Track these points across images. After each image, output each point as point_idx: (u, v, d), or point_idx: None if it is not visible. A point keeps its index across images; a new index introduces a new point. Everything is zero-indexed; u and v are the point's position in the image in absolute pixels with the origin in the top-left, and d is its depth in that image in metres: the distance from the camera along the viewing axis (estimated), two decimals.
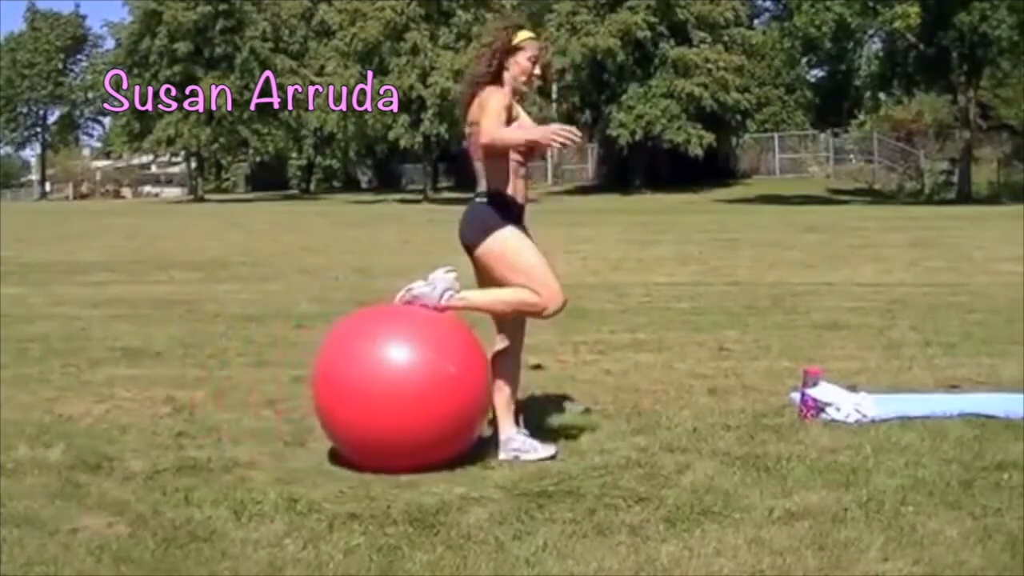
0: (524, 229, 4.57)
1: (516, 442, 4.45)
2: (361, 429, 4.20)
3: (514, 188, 4.52)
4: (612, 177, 47.93)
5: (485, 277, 4.56)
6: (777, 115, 52.87)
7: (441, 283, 4.47)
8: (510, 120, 4.48)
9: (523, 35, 4.59)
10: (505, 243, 4.46)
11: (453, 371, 4.24)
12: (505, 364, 4.58)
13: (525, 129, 4.52)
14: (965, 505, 3.73)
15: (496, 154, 4.46)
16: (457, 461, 4.37)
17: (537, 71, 4.59)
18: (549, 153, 53.12)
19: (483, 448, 4.49)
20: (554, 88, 48.81)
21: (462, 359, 4.31)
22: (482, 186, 4.54)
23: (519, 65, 4.54)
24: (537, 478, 4.09)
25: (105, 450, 4.54)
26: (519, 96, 4.61)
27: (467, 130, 4.58)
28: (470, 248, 4.51)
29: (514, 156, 4.51)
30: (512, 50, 4.54)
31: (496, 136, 4.40)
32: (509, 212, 4.50)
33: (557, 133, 4.32)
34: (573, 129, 4.36)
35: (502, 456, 4.42)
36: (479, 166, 4.55)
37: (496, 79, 4.52)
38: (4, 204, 52.94)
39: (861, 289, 10.70)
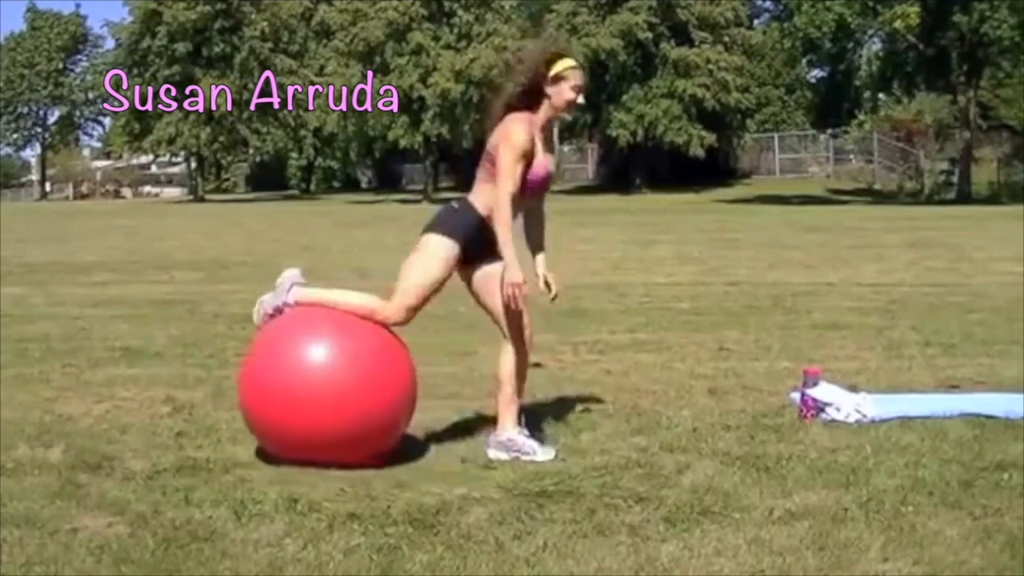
0: (483, 258, 4.47)
1: (516, 443, 4.44)
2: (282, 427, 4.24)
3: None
4: (612, 177, 47.95)
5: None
6: (777, 115, 52.96)
7: (287, 280, 4.51)
8: (532, 158, 4.40)
9: (566, 64, 4.48)
10: (427, 248, 4.43)
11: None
12: (508, 364, 4.56)
13: (510, 250, 4.31)
14: (965, 505, 3.73)
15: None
16: (456, 461, 4.37)
17: (581, 100, 4.52)
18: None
19: (483, 448, 4.49)
20: None
21: (378, 358, 4.31)
22: (473, 193, 4.49)
23: (562, 96, 4.45)
24: (537, 478, 4.08)
25: (105, 450, 4.54)
26: (555, 118, 4.54)
27: (488, 143, 4.47)
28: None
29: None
30: (555, 79, 4.45)
31: (501, 204, 4.31)
32: (471, 230, 4.41)
33: (514, 292, 4.30)
34: (523, 295, 4.32)
35: (498, 455, 4.41)
36: (481, 174, 4.50)
37: (532, 104, 4.45)
38: (4, 204, 52.90)
39: (861, 289, 10.69)
